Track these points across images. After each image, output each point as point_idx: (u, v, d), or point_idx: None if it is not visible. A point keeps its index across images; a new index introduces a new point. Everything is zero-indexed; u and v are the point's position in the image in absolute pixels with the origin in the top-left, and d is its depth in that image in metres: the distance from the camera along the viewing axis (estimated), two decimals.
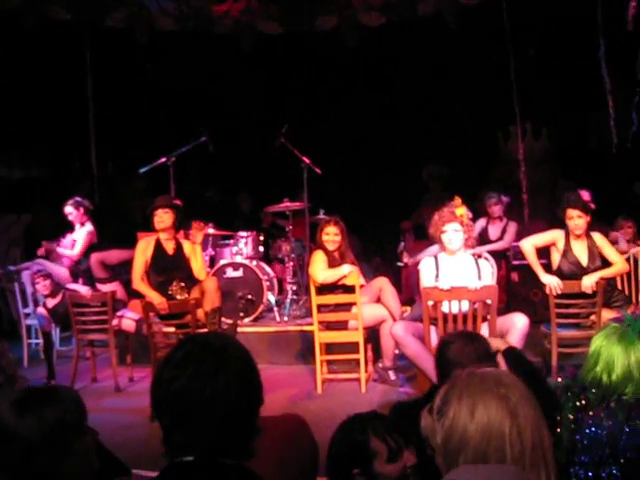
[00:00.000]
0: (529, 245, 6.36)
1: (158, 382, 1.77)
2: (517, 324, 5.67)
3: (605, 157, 9.51)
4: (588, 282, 6.03)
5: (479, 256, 6.48)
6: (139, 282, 6.61)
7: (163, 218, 6.62)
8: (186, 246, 6.79)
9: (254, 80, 10.63)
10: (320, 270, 6.66)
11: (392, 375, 6.63)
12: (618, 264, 6.22)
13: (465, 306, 5.63)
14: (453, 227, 5.98)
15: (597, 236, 6.32)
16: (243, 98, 10.78)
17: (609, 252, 6.26)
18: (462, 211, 6.05)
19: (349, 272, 6.60)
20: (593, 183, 9.24)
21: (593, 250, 6.26)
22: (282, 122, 8.76)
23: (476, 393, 1.89)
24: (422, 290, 5.72)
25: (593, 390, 2.71)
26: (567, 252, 6.28)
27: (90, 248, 7.83)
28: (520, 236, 8.72)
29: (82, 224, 8.09)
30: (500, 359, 3.45)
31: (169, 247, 6.71)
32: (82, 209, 8.07)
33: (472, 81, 10.07)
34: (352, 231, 10.45)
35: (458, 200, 6.20)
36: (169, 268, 6.65)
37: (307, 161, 8.52)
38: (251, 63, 10.15)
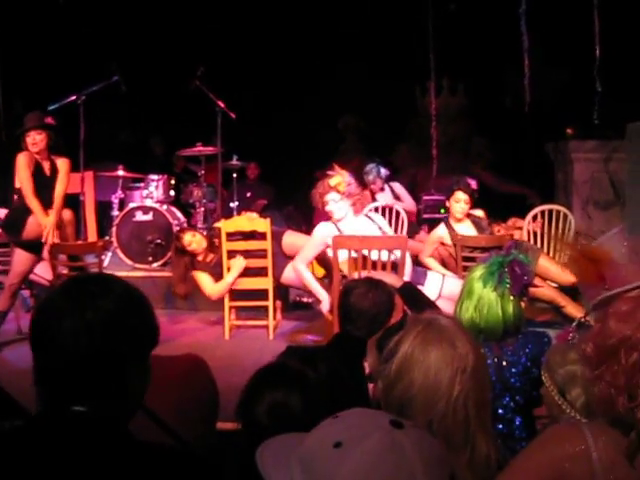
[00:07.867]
0: (427, 258, 6.47)
1: (33, 322, 1.61)
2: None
3: (519, 116, 9.61)
4: None
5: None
6: (32, 197, 6.19)
7: (36, 140, 6.22)
8: (61, 166, 6.44)
9: (170, 19, 10.34)
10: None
11: None
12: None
13: (374, 256, 5.64)
14: (331, 197, 5.96)
15: (477, 211, 6.68)
16: (158, 38, 10.48)
17: None
18: (337, 180, 6.01)
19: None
20: (506, 141, 9.36)
21: (479, 223, 6.55)
22: (197, 64, 8.58)
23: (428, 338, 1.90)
24: (332, 238, 5.69)
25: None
26: (456, 238, 6.41)
27: None
28: (423, 187, 8.78)
29: None
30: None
31: (46, 167, 6.42)
32: None
33: (391, 35, 10.02)
34: (265, 179, 10.41)
35: (336, 168, 6.24)
36: (47, 189, 6.39)
37: (222, 105, 8.37)
38: (168, 1, 9.87)
